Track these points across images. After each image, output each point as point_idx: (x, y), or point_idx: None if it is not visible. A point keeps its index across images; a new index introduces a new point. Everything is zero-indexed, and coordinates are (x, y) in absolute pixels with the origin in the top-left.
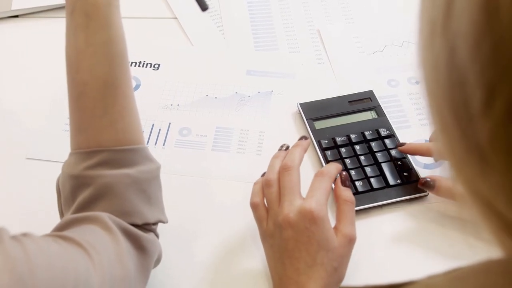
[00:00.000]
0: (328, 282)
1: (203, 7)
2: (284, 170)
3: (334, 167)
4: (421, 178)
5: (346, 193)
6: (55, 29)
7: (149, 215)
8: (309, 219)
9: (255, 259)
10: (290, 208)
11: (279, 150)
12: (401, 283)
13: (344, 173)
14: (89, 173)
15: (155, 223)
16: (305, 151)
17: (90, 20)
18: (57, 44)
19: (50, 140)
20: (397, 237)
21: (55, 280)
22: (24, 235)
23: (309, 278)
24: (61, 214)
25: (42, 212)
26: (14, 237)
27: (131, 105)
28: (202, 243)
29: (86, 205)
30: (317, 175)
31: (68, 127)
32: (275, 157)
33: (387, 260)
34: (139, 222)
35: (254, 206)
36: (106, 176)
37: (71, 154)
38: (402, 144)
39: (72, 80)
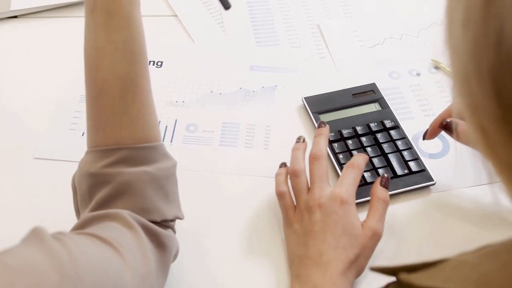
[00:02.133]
0: (348, 268)
1: (226, 6)
2: (313, 159)
3: (362, 158)
4: (443, 120)
5: (383, 192)
6: (55, 29)
7: (167, 212)
8: (338, 204)
9: (268, 251)
10: (321, 194)
11: (297, 142)
12: (434, 260)
13: (386, 175)
14: (108, 170)
15: (173, 220)
16: (328, 138)
17: (111, 18)
18: (57, 44)
19: (57, 139)
20: (405, 226)
21: (96, 276)
22: (61, 233)
23: (330, 259)
24: (77, 212)
25: (52, 211)
26: (54, 237)
27: (150, 102)
28: (213, 237)
29: (104, 203)
30: (348, 166)
31: (74, 126)
32: (296, 148)
33: (395, 249)
34: (158, 219)
35: (281, 195)
36: (125, 174)
37: (88, 152)
38: (425, 133)
39: (91, 79)
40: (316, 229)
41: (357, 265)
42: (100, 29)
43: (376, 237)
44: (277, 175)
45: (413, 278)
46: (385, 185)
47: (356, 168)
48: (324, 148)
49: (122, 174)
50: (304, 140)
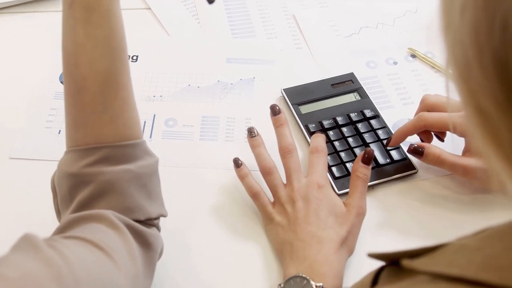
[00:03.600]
0: (340, 246)
1: (210, 0)
2: (286, 153)
3: (321, 139)
4: (410, 144)
5: (362, 169)
6: (29, 24)
7: (151, 210)
8: (316, 189)
9: (254, 245)
10: (300, 184)
11: (251, 137)
12: (434, 245)
13: (370, 150)
14: (89, 170)
15: (157, 218)
16: (289, 125)
17: (90, 14)
18: (31, 40)
19: (33, 138)
20: (388, 214)
21: (94, 284)
22: (53, 239)
23: (322, 239)
24: (58, 214)
25: (31, 212)
26: (48, 244)
27: (131, 99)
28: (196, 233)
29: (86, 204)
30: (313, 152)
31: (50, 124)
32: (256, 145)
33: (381, 238)
34: (142, 217)
35: (255, 195)
36: (107, 173)
37: (68, 152)
38: (388, 140)
39: (70, 75)
40: (301, 215)
41: (347, 244)
42: (79, 25)
43: (361, 214)
44: (243, 178)
45: (416, 264)
46: (367, 162)
47: (321, 152)
48: (291, 139)
49: (104, 173)
50: (257, 132)
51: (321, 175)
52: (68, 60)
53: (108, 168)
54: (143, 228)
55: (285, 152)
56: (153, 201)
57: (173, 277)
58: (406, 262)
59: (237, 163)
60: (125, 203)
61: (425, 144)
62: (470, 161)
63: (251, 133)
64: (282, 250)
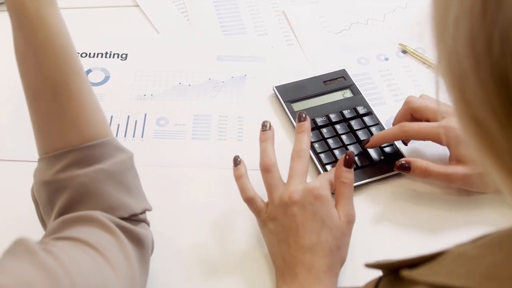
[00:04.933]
0: (332, 261)
1: None
2: (297, 157)
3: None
4: (396, 161)
5: (346, 174)
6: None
7: (134, 206)
8: (313, 195)
9: (247, 245)
10: (296, 188)
11: (263, 130)
12: (431, 254)
13: (350, 152)
14: (62, 176)
15: (142, 212)
16: (310, 133)
17: (21, 20)
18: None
19: (21, 139)
20: (383, 212)
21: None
22: (47, 243)
23: (314, 256)
24: (43, 224)
25: (21, 216)
26: (43, 249)
27: (88, 98)
28: (189, 234)
29: (67, 210)
30: (294, 157)
31: None
32: (264, 140)
33: (375, 238)
34: (126, 214)
35: (249, 200)
36: (80, 176)
37: (40, 160)
38: (367, 141)
39: (23, 83)
40: (295, 223)
41: (339, 256)
42: (16, 31)
43: (351, 222)
44: (237, 178)
45: (415, 274)
46: (350, 165)
47: (330, 172)
48: (307, 146)
49: (77, 176)
50: (270, 126)
51: (321, 182)
52: (19, 67)
53: (80, 170)
54: (132, 226)
55: (296, 155)
56: (134, 197)
57: (163, 277)
58: (406, 273)
59: (235, 162)
60: (105, 203)
61: (410, 159)
62: (456, 169)
63: (263, 126)
64: (275, 259)
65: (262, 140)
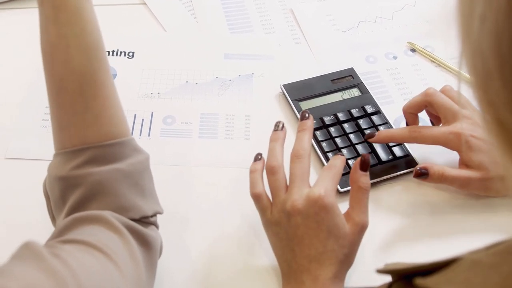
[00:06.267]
0: (339, 269)
1: None
2: (296, 157)
3: (340, 161)
4: (414, 169)
5: (363, 178)
6: (24, 21)
7: (146, 208)
8: (318, 206)
9: (253, 246)
10: (299, 195)
11: (274, 130)
12: (445, 260)
13: (365, 155)
14: (78, 172)
15: (153, 215)
16: (312, 132)
17: (58, 11)
18: (23, 36)
19: (29, 137)
20: (391, 212)
21: None
22: (55, 247)
23: (320, 265)
24: (53, 219)
25: (28, 214)
26: (51, 253)
27: (112, 96)
28: (196, 232)
29: (79, 207)
30: (325, 169)
31: (46, 123)
32: (273, 140)
33: (384, 240)
34: (137, 216)
35: (256, 197)
36: (96, 174)
37: (56, 155)
38: (371, 135)
39: (48, 76)
40: (299, 234)
41: (347, 262)
42: (50, 23)
43: (363, 230)
44: (251, 172)
45: (429, 283)
46: (365, 168)
47: (333, 169)
48: (308, 145)
49: (93, 174)
50: (283, 127)
51: (326, 188)
52: (45, 60)
53: (97, 168)
54: (142, 228)
55: (295, 156)
56: (147, 199)
57: (171, 277)
58: (420, 281)
59: (256, 157)
60: (118, 202)
61: (427, 165)
62: (470, 174)
63: (276, 126)
64: (280, 264)
65: (272, 140)
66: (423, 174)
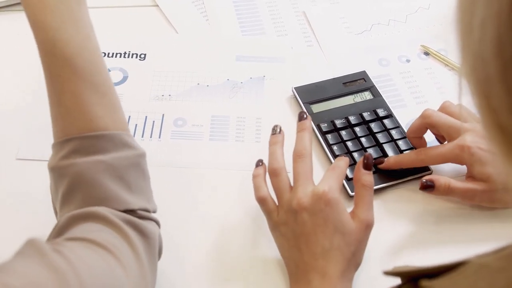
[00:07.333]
0: (346, 267)
1: None
2: (298, 157)
3: (343, 162)
4: (420, 181)
5: (366, 177)
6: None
7: (131, 201)
8: (324, 201)
9: (262, 246)
10: (304, 193)
11: (272, 134)
12: (452, 263)
13: (368, 155)
14: (63, 163)
15: (144, 210)
16: (311, 132)
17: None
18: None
19: (40, 138)
20: (401, 216)
21: None
22: (57, 243)
23: (327, 262)
24: (55, 212)
25: (38, 215)
26: (53, 249)
27: (103, 91)
28: (204, 234)
29: (67, 196)
30: (328, 169)
31: None
32: (273, 143)
33: (396, 240)
34: (121, 208)
35: (261, 200)
36: (78, 164)
37: (51, 147)
38: (381, 162)
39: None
40: (306, 231)
41: (354, 261)
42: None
43: (369, 228)
44: (254, 177)
45: (436, 285)
46: (368, 167)
47: (337, 169)
48: (308, 144)
49: (75, 165)
50: (280, 130)
51: (330, 186)
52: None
53: (79, 159)
54: (138, 220)
55: (297, 156)
56: (134, 194)
57: (174, 278)
58: (425, 283)
59: (257, 163)
60: (99, 193)
61: (433, 177)
62: (476, 186)
63: (273, 130)
64: (287, 265)
65: (271, 144)
66: (429, 187)
